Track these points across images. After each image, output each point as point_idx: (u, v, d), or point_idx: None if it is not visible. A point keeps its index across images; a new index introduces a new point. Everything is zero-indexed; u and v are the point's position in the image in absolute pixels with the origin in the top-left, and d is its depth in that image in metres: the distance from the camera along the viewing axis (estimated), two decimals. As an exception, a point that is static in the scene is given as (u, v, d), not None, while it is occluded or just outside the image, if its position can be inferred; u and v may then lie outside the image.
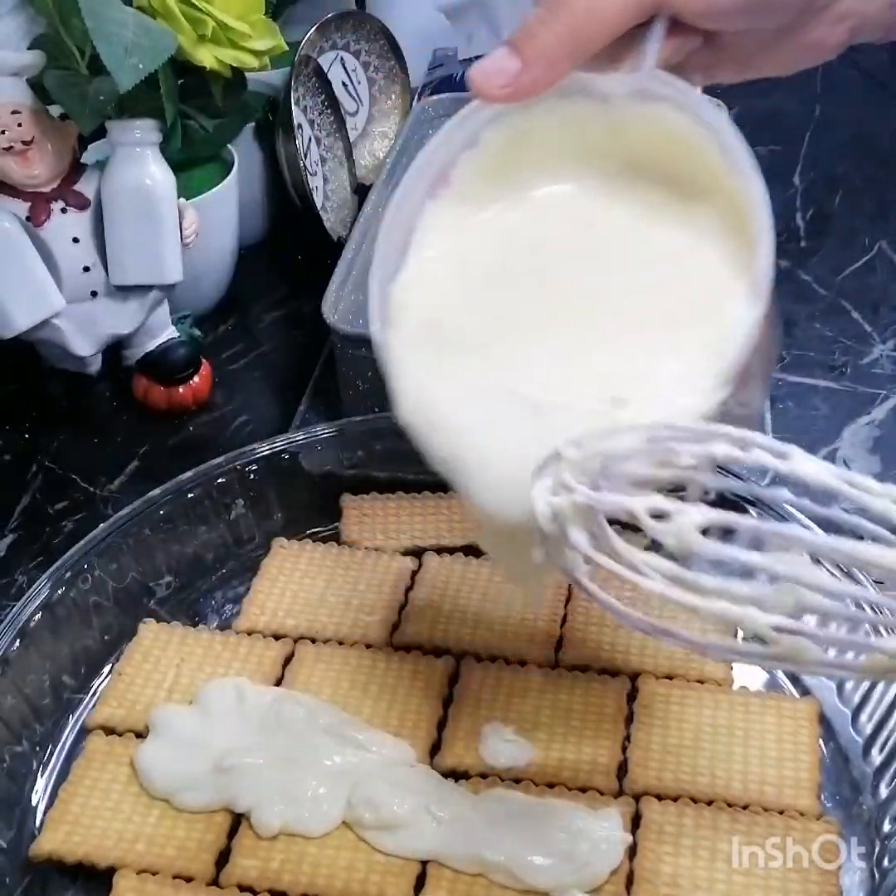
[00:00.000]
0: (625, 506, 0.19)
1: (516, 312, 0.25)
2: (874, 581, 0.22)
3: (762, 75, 0.25)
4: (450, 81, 0.60)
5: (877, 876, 0.27)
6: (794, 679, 0.32)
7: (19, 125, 0.37)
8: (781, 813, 0.28)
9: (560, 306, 0.25)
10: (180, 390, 0.43)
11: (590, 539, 0.20)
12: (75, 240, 0.39)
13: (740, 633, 0.21)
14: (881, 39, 0.25)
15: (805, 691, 0.32)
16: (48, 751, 0.31)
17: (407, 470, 0.38)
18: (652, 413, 0.22)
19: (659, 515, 0.19)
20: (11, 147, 0.37)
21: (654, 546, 0.20)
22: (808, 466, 0.19)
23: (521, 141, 0.25)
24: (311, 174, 0.51)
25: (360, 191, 0.55)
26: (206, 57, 0.40)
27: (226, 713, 0.30)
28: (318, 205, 0.51)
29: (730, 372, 0.22)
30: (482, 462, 0.24)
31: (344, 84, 0.57)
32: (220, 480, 0.36)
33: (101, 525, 0.34)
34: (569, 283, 0.25)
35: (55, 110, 0.38)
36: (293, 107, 0.49)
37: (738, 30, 0.23)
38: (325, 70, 0.54)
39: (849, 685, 0.31)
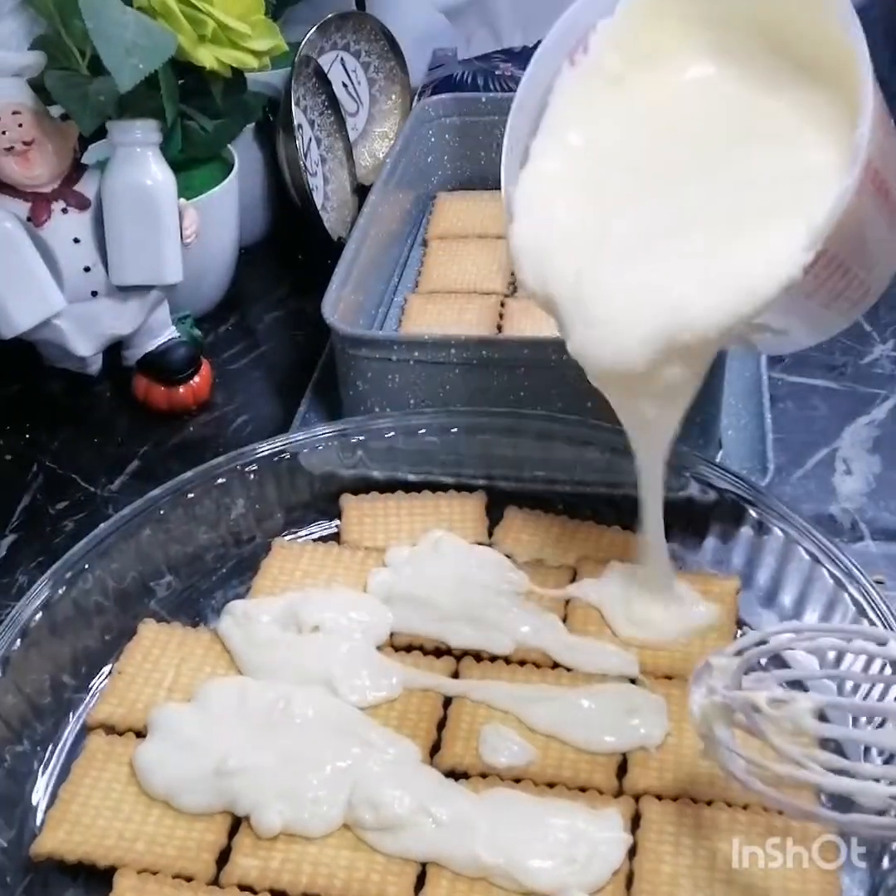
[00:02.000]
0: (750, 700, 0.23)
1: (632, 194, 0.27)
2: None
3: None
4: (450, 81, 0.60)
5: (876, 876, 0.27)
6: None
7: (20, 126, 0.37)
8: (781, 813, 0.28)
9: (675, 188, 0.26)
10: (181, 390, 0.43)
11: (735, 736, 0.24)
12: (76, 240, 0.39)
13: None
14: None
15: (805, 690, 0.32)
16: (49, 750, 0.31)
17: (407, 470, 0.38)
18: (740, 259, 0.24)
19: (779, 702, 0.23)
20: (12, 147, 0.37)
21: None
22: None
23: (653, 14, 0.27)
24: (311, 174, 0.51)
25: (360, 191, 0.55)
26: (207, 57, 0.40)
27: (226, 712, 0.30)
28: (319, 205, 0.51)
29: (818, 234, 0.23)
30: (600, 302, 0.26)
31: (344, 84, 0.57)
32: (220, 480, 0.36)
33: (102, 525, 0.34)
34: (685, 166, 0.26)
35: (56, 111, 0.39)
36: (293, 107, 0.49)
37: None
38: (326, 70, 0.54)
39: (848, 685, 0.31)
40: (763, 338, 0.28)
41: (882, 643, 0.23)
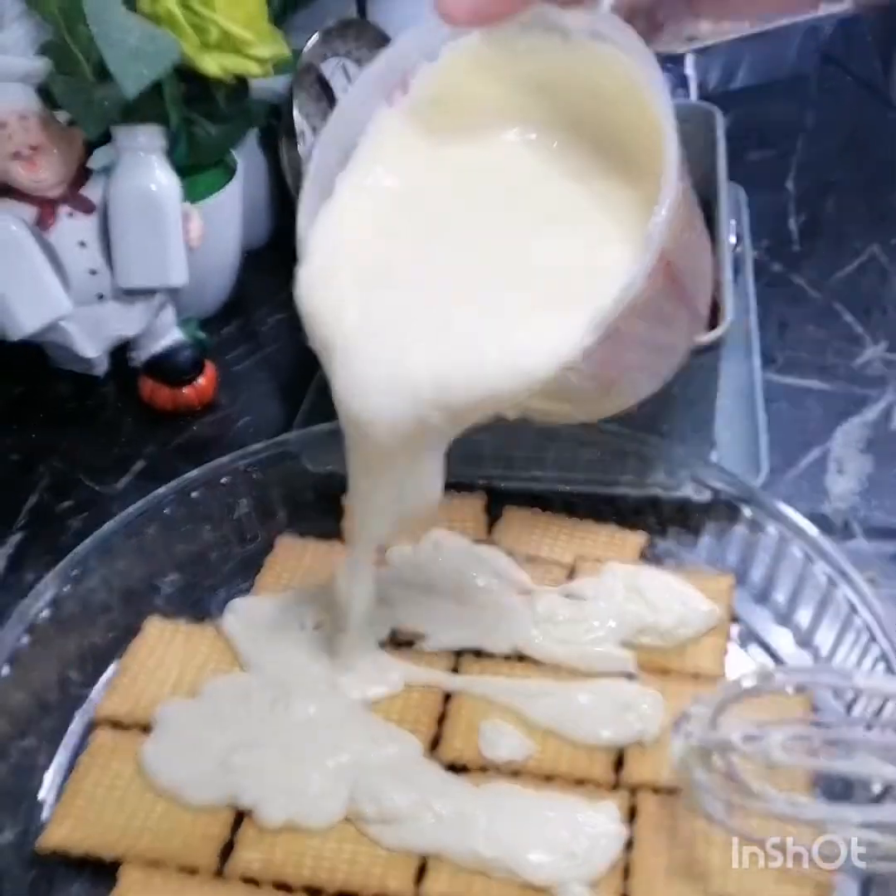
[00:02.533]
0: (724, 739, 0.23)
1: (427, 250, 0.25)
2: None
3: (740, 19, 0.25)
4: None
5: (876, 876, 0.27)
6: (788, 674, 0.33)
7: (26, 131, 0.38)
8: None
9: (468, 252, 0.25)
10: (185, 391, 0.44)
11: (714, 779, 0.24)
12: (82, 244, 0.40)
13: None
14: (848, 9, 0.24)
15: (800, 688, 0.32)
16: (55, 745, 0.31)
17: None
18: (517, 338, 0.23)
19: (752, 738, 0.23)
20: (19, 152, 0.38)
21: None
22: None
23: (476, 69, 0.25)
24: (312, 179, 0.51)
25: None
26: (211, 64, 0.40)
27: (230, 708, 0.31)
28: (320, 209, 0.51)
29: (599, 320, 0.22)
30: (372, 354, 0.24)
31: (346, 91, 0.57)
32: (224, 480, 0.37)
33: (108, 523, 0.35)
34: (484, 231, 0.25)
35: (62, 116, 0.39)
36: (296, 113, 0.49)
37: None
38: (328, 77, 0.54)
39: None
40: (528, 412, 0.26)
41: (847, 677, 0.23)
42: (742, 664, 0.33)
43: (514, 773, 0.30)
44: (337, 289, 0.25)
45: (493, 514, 0.38)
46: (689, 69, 0.58)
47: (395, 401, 0.24)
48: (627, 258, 0.23)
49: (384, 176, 0.26)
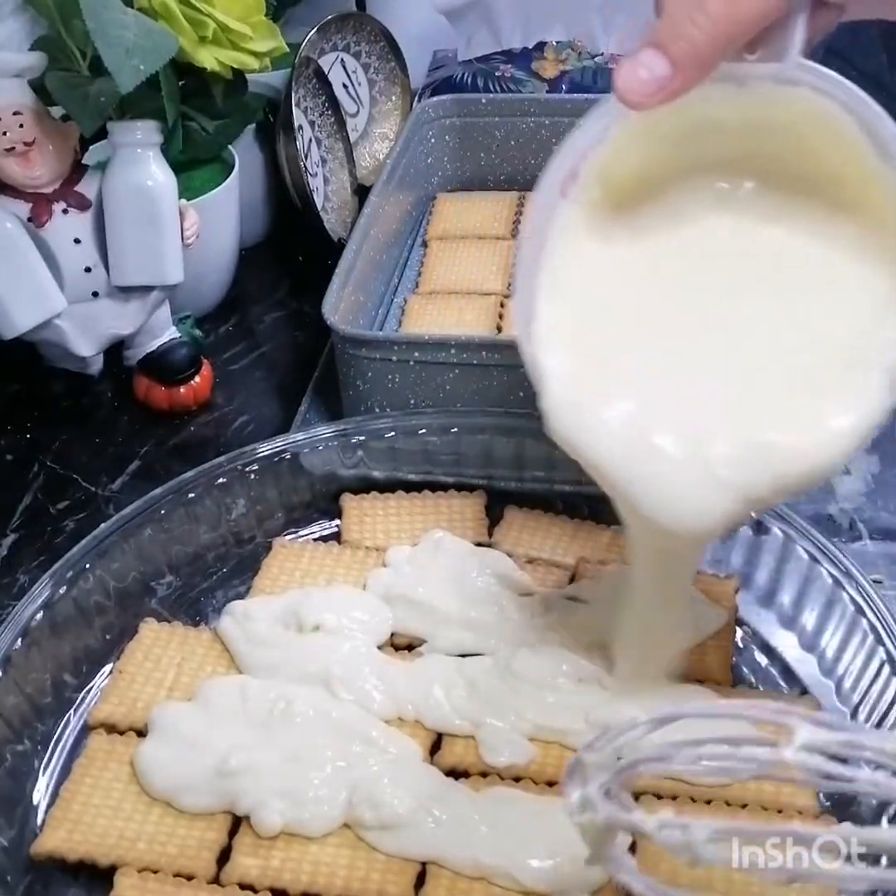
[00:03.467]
0: (636, 826, 0.21)
1: (664, 344, 0.24)
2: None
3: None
4: (450, 82, 0.60)
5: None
6: (793, 677, 0.32)
7: (21, 126, 0.37)
8: (780, 812, 0.28)
9: (706, 341, 0.24)
10: (181, 390, 0.44)
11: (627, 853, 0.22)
12: (77, 241, 0.39)
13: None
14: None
15: (804, 690, 0.32)
16: (49, 749, 0.31)
17: (407, 470, 0.38)
18: (823, 415, 0.23)
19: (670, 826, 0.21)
20: (13, 148, 0.37)
21: None
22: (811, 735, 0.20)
23: (642, 135, 0.24)
24: (311, 175, 0.51)
25: (361, 192, 0.55)
26: (207, 58, 0.40)
27: (227, 712, 0.30)
28: (319, 206, 0.51)
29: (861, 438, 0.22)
30: (655, 479, 0.23)
31: (344, 85, 0.57)
32: (220, 480, 0.36)
33: (103, 524, 0.34)
34: (712, 316, 0.24)
35: (57, 111, 0.39)
36: (294, 108, 0.49)
37: None
38: (326, 71, 0.54)
39: (847, 684, 0.31)
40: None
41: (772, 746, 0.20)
42: (747, 668, 0.32)
43: (516, 778, 0.29)
44: (597, 407, 0.24)
45: (493, 515, 0.37)
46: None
47: (710, 505, 0.23)
48: (883, 296, 0.22)
49: (583, 281, 0.25)
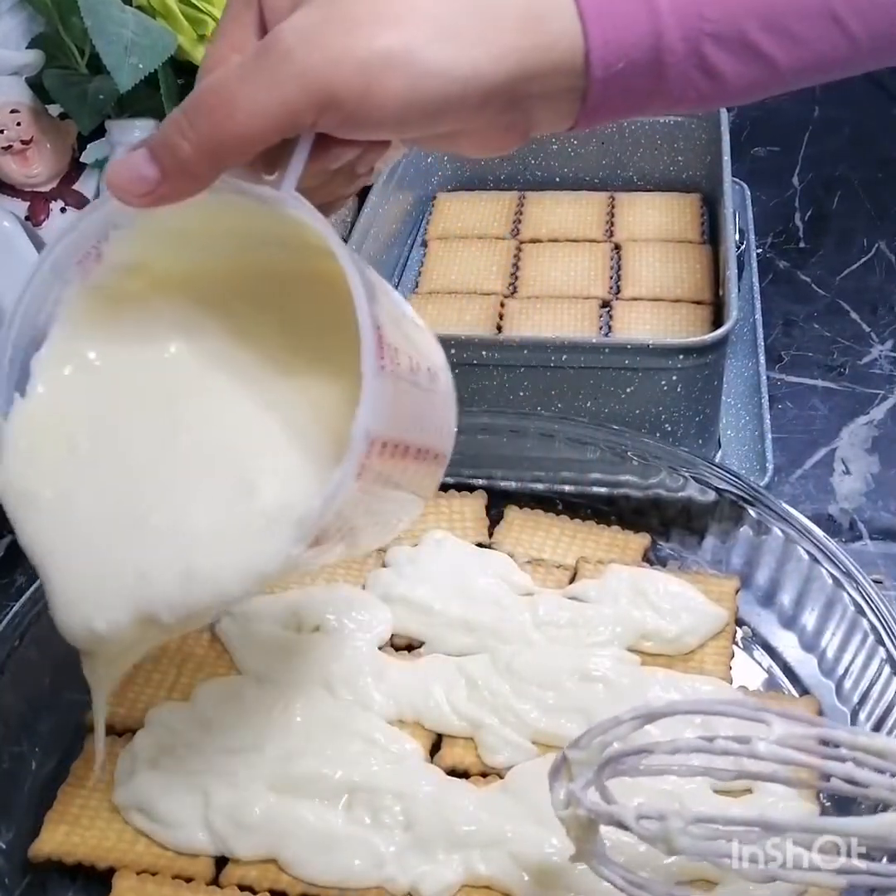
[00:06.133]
0: (616, 817, 0.21)
1: (124, 438, 0.24)
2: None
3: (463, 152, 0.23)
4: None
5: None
6: (794, 678, 0.32)
7: (18, 124, 0.37)
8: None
9: (158, 450, 0.23)
10: (180, 390, 0.43)
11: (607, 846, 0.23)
12: (75, 239, 0.39)
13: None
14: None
15: (804, 690, 0.32)
16: (48, 750, 0.31)
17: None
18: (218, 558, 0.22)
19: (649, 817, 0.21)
20: (10, 146, 0.37)
21: None
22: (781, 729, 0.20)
23: (167, 234, 0.22)
24: (310, 174, 0.51)
25: (360, 191, 0.55)
26: (206, 57, 0.40)
27: (225, 712, 0.30)
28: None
29: (303, 532, 0.21)
30: (72, 569, 0.23)
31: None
32: (219, 480, 0.36)
33: (101, 525, 0.34)
34: (166, 422, 0.23)
35: (54, 109, 0.38)
36: (293, 107, 0.49)
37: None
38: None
39: (848, 684, 0.31)
40: None
41: (744, 742, 0.20)
42: (747, 668, 0.32)
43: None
44: (31, 496, 0.23)
45: (494, 515, 0.37)
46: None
47: (111, 611, 0.22)
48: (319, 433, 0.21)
49: (76, 361, 0.24)
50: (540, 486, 0.37)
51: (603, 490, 0.37)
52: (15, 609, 0.31)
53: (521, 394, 0.38)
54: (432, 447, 0.23)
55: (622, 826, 0.21)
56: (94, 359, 0.24)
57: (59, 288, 0.24)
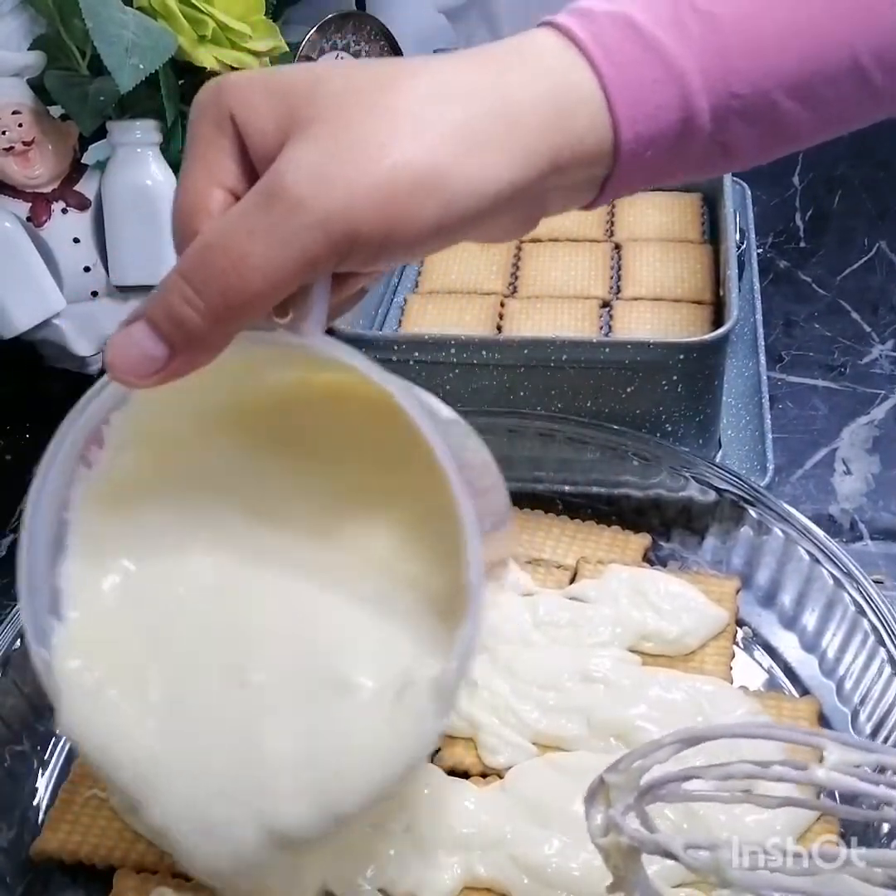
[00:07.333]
0: (662, 846, 0.20)
1: (195, 650, 0.21)
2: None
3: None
4: (450, 82, 0.60)
5: (876, 875, 0.27)
6: (794, 678, 0.32)
7: (20, 126, 0.37)
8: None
9: (243, 653, 0.21)
10: (181, 390, 0.44)
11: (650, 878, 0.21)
12: (76, 240, 0.39)
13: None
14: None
15: (805, 691, 0.32)
16: (48, 750, 0.31)
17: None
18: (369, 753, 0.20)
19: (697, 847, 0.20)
20: (12, 147, 0.38)
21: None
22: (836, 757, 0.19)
23: (176, 406, 0.20)
24: (311, 175, 0.51)
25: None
26: (207, 58, 0.40)
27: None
28: (319, 205, 0.51)
29: (443, 704, 0.20)
30: (188, 807, 0.20)
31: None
32: (220, 480, 0.36)
33: (102, 525, 0.34)
34: (246, 627, 0.21)
35: (56, 111, 0.39)
36: (293, 107, 0.49)
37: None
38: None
39: (848, 685, 0.31)
40: None
41: (802, 768, 0.19)
42: (748, 669, 0.32)
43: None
44: (109, 734, 0.21)
45: (493, 514, 0.37)
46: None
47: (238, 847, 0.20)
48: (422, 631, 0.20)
49: (111, 574, 0.21)
50: (540, 486, 0.37)
51: (603, 490, 0.37)
52: (15, 609, 0.31)
53: (521, 394, 0.38)
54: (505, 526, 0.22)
55: (669, 855, 0.19)
56: (127, 565, 0.22)
57: (63, 489, 0.22)
